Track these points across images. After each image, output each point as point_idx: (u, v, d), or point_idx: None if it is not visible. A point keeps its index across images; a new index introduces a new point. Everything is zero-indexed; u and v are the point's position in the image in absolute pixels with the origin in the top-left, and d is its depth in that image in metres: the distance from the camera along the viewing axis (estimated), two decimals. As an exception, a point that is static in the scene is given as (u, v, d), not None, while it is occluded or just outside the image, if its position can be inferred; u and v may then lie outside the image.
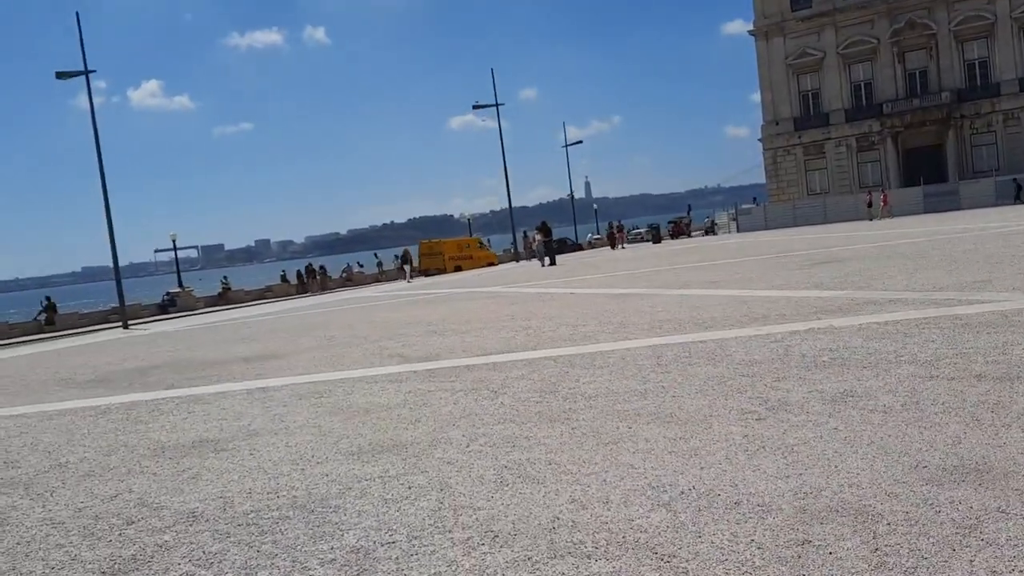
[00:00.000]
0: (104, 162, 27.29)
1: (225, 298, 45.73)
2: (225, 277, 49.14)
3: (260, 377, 9.60)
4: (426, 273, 46.35)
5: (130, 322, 30.01)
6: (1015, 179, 48.38)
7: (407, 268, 41.67)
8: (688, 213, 74.14)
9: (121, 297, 29.47)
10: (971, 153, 55.36)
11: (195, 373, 10.63)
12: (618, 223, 55.12)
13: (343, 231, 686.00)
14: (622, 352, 8.35)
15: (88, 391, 10.17)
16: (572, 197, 61.97)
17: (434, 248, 49.06)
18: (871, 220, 45.36)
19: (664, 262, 25.42)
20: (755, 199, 67.25)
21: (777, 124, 61.59)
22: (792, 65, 60.75)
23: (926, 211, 47.43)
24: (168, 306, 44.56)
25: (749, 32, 62.43)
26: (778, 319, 9.45)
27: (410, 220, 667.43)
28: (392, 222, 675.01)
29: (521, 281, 23.61)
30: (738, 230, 54.64)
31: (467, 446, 5.36)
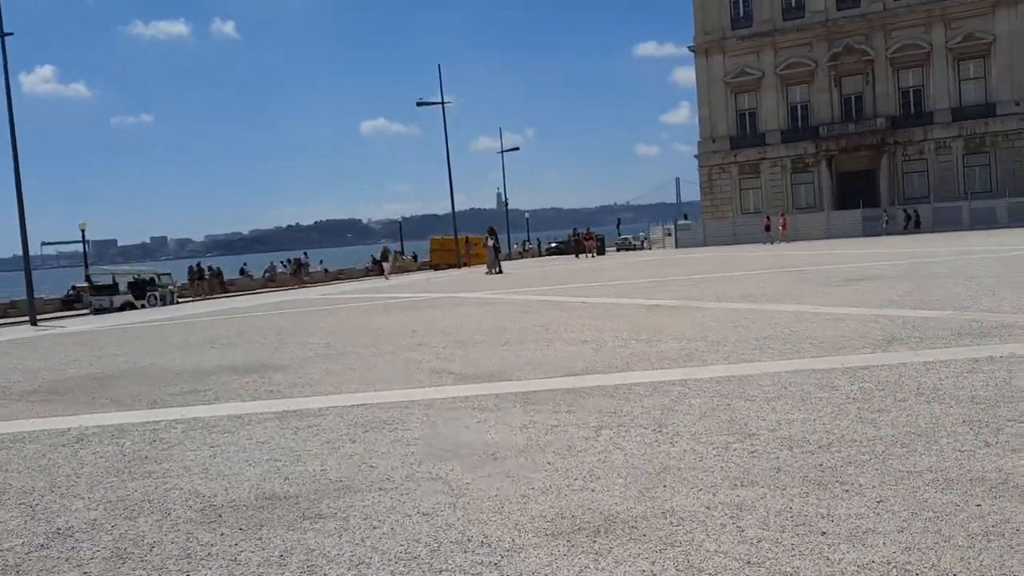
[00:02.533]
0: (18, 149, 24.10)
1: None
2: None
3: (276, 395, 7.51)
4: (436, 268, 49.03)
5: (36, 318, 26.81)
6: (904, 209, 49.62)
7: (386, 265, 41.62)
8: (618, 227, 73.37)
9: (30, 290, 26.24)
10: (903, 180, 56.12)
11: (177, 387, 8.42)
12: (587, 229, 52.19)
13: (245, 231, 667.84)
14: (768, 377, 6.62)
15: (39, 407, 7.86)
16: (507, 205, 60.30)
17: (446, 245, 52.34)
18: (771, 243, 45.57)
19: (649, 274, 23.90)
20: (685, 215, 67.00)
21: (714, 142, 61.36)
22: (730, 83, 60.66)
23: (864, 234, 47.66)
24: (73, 301, 40.83)
25: (689, 48, 62.11)
26: (916, 342, 7.89)
27: (317, 223, 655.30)
28: (298, 224, 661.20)
29: (499, 288, 21.72)
30: (676, 246, 53.94)
31: (729, 527, 3.53)
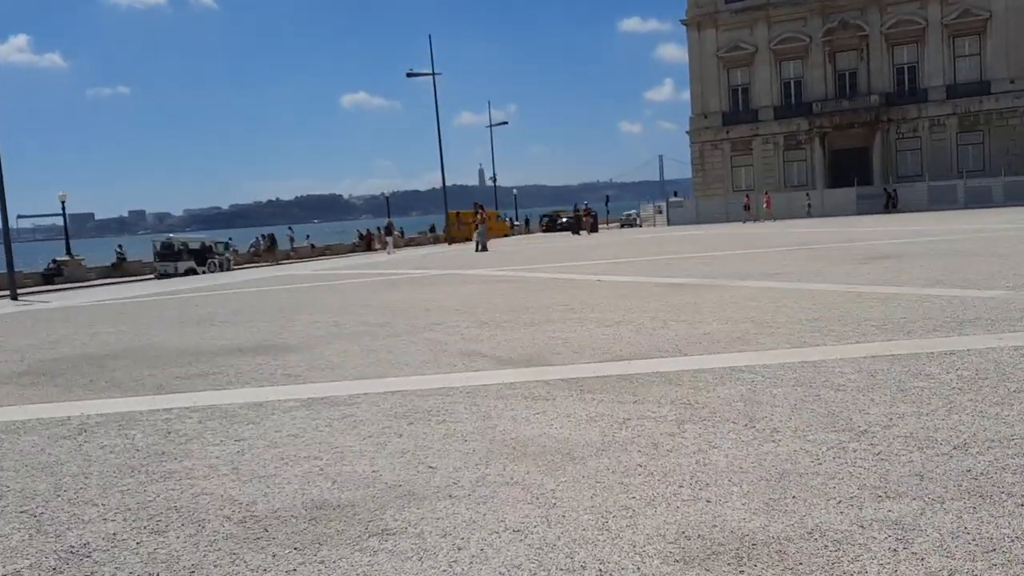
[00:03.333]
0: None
1: (120, 269, 40.92)
2: (120, 246, 44.08)
3: (296, 380, 6.82)
4: (453, 241, 49.66)
5: (17, 292, 25.84)
6: (885, 188, 49.36)
7: (389, 240, 41.57)
8: (606, 204, 72.58)
9: (10, 263, 25.25)
10: (896, 157, 55.62)
11: (182, 368, 7.71)
12: (585, 205, 51.00)
13: (225, 206, 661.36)
14: (846, 363, 6.00)
15: (31, 391, 7.13)
16: (495, 181, 59.41)
17: (463, 219, 53.11)
18: (751, 222, 45.42)
19: (654, 251, 23.26)
20: (675, 193, 66.38)
21: (706, 118, 60.58)
22: (723, 58, 59.80)
23: (859, 213, 47.20)
24: (54, 275, 39.61)
25: (681, 21, 61.14)
26: (989, 324, 7.29)
27: (297, 198, 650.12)
28: (278, 199, 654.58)
29: (502, 265, 21.03)
30: (668, 223, 53.31)
31: (903, 553, 2.90)
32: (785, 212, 49.12)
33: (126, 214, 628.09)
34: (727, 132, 60.12)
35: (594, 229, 47.78)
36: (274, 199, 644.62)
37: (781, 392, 5.32)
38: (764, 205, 47.82)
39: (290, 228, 53.08)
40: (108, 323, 12.40)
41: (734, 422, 4.70)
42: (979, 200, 45.82)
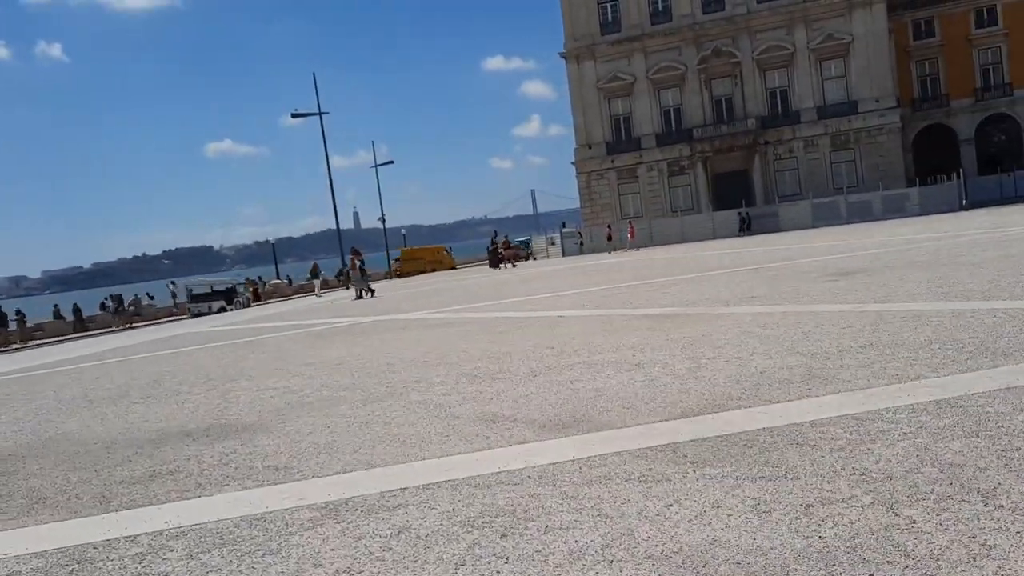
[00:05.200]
0: None
1: None
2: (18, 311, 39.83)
3: (289, 474, 5.23)
4: (405, 275, 53.97)
5: None
6: (739, 212, 50.95)
7: (317, 283, 42.14)
8: (505, 238, 71.50)
9: None
10: (775, 178, 57.10)
11: (122, 468, 5.97)
12: (505, 237, 49.18)
13: (87, 264, 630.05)
14: (981, 399, 4.92)
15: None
16: (384, 222, 57.38)
17: (415, 255, 59.50)
18: (616, 252, 46.20)
19: (595, 281, 22.19)
20: (564, 224, 66.18)
21: (590, 148, 60.81)
22: (603, 89, 60.29)
23: (739, 234, 47.96)
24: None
25: (560, 55, 61.39)
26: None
27: (165, 252, 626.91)
28: (144, 254, 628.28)
29: (433, 307, 19.50)
30: (564, 254, 52.84)
31: None
32: (678, 237, 49.55)
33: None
34: (612, 161, 60.56)
35: (516, 260, 46.40)
36: (140, 255, 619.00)
37: (956, 447, 4.16)
38: (629, 236, 48.59)
39: (172, 283, 49.61)
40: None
41: (967, 500, 3.49)
42: (860, 215, 47.37)
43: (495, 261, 43.85)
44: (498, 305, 16.71)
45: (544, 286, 21.79)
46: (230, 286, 43.72)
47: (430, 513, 4.14)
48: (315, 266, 45.38)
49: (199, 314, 38.37)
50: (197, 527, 4.36)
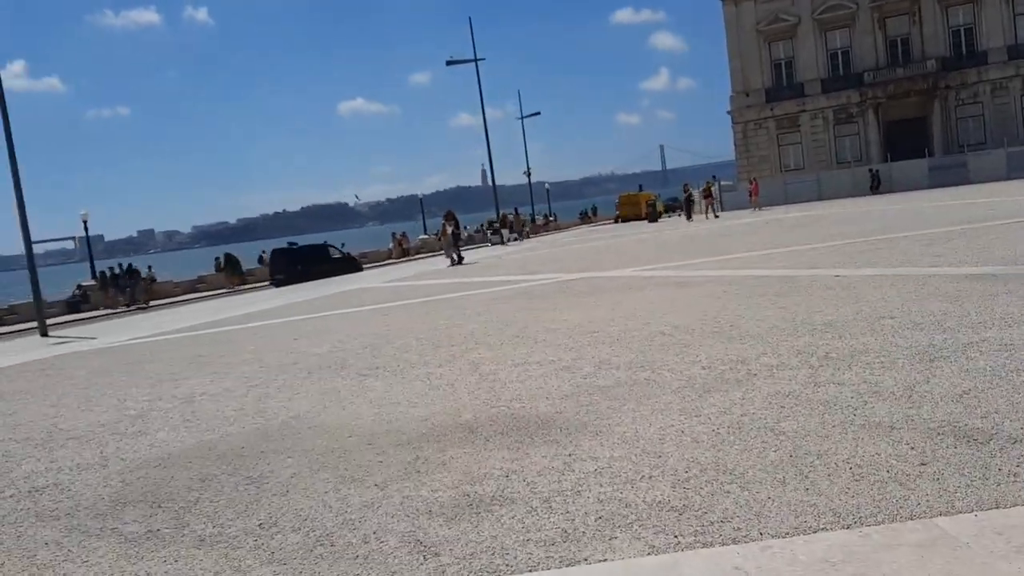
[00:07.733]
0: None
1: (150, 292, 37.30)
2: (150, 267, 40.61)
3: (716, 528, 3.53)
4: (625, 220, 58.22)
5: (47, 326, 22.48)
6: (870, 169, 46.93)
7: (505, 232, 41.48)
8: (639, 189, 69.07)
9: (37, 293, 22.05)
10: (956, 125, 52.18)
11: (415, 487, 4.45)
12: (708, 182, 45.69)
13: (233, 220, 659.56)
14: None
15: (137, 564, 3.87)
16: (529, 177, 55.94)
17: (632, 199, 62.44)
18: (693, 218, 41.70)
19: (822, 237, 19.92)
20: (714, 176, 62.89)
21: (747, 96, 57.21)
22: (763, 32, 56.42)
23: (932, 186, 43.77)
24: (80, 303, 36.17)
25: (713, -5, 57.84)
26: None
27: (303, 208, 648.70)
28: (284, 210, 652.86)
29: (621, 266, 17.73)
30: (722, 208, 49.93)
31: None
32: (852, 191, 45.84)
33: (135, 234, 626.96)
34: (771, 109, 56.90)
35: (653, 219, 44.36)
36: (280, 211, 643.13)
37: None
38: (751, 195, 44.46)
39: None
40: (194, 370, 9.04)
41: None
42: (1066, 166, 42.37)
43: (688, 211, 42.25)
44: (716, 263, 14.70)
45: (760, 240, 19.60)
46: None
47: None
48: (503, 216, 46.28)
49: (280, 282, 33.83)
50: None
